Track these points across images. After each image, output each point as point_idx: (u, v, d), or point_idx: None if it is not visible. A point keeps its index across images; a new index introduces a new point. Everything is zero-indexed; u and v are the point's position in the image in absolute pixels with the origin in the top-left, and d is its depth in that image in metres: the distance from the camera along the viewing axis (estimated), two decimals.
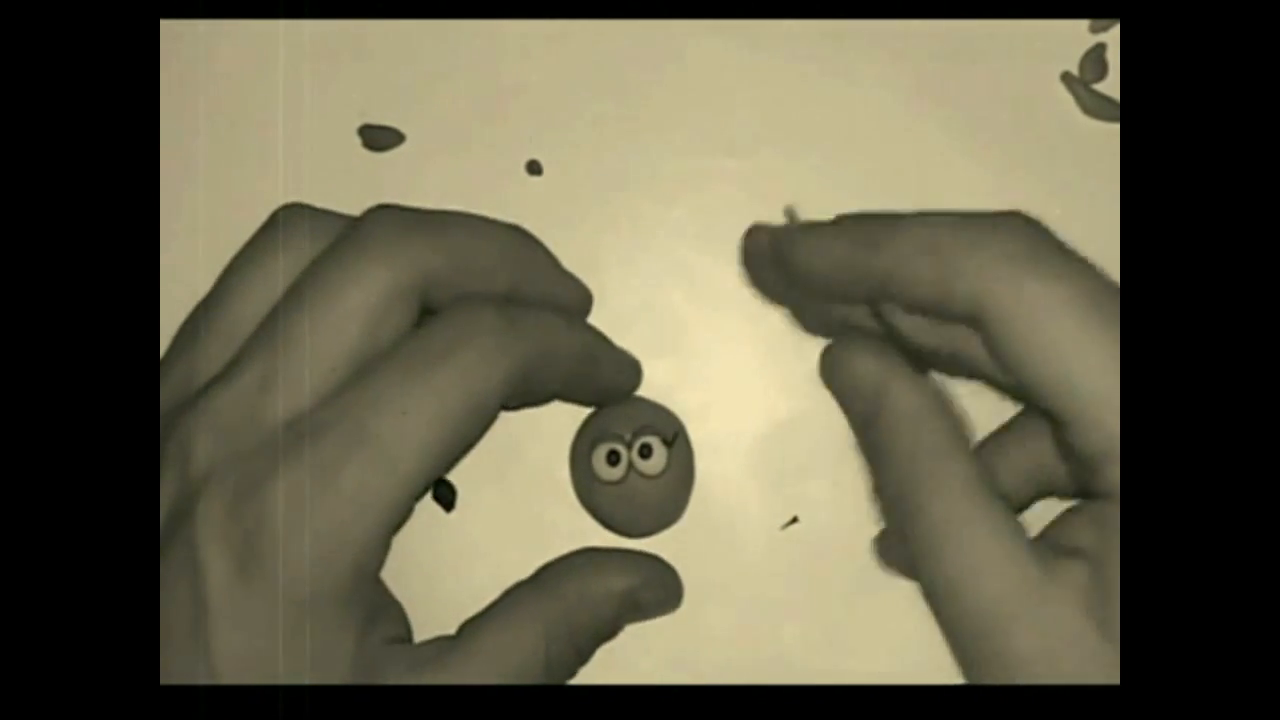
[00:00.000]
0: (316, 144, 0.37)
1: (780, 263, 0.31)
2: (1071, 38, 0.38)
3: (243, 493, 0.29)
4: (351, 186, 0.37)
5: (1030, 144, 0.37)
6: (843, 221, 0.31)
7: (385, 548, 0.30)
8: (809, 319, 0.36)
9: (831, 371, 0.32)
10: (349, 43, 0.37)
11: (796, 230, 0.31)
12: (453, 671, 0.30)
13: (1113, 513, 0.28)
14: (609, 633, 0.33)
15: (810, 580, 0.36)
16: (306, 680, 0.29)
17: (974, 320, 0.29)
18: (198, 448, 0.29)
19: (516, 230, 0.33)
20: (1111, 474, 0.28)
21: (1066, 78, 0.37)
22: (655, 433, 0.34)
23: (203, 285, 0.33)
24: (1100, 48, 0.37)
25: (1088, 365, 0.28)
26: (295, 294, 0.30)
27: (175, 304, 0.33)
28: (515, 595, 0.32)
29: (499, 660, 0.31)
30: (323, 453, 0.29)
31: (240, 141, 0.37)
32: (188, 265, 0.34)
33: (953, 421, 0.30)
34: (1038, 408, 0.29)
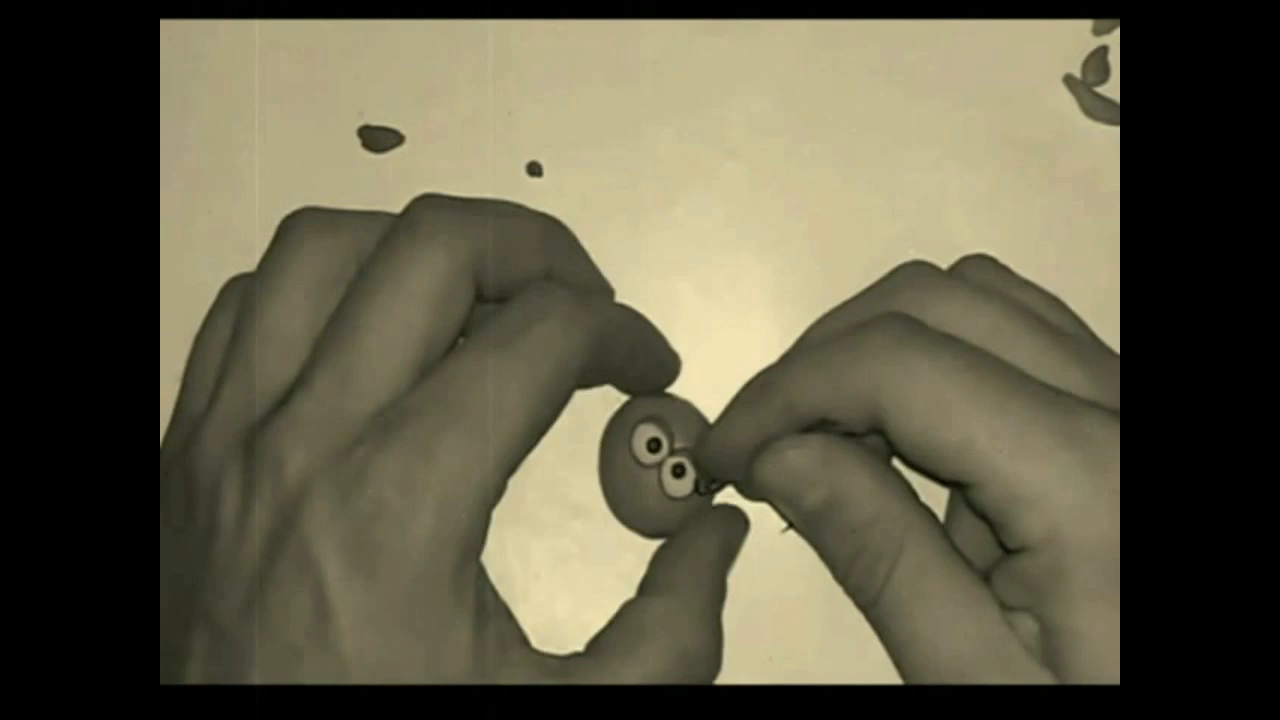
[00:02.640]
0: (316, 145, 0.37)
1: (706, 468, 0.34)
2: (1074, 40, 0.38)
3: (346, 486, 0.28)
4: (351, 187, 0.37)
5: (1031, 145, 0.37)
6: (734, 398, 0.33)
7: (487, 525, 0.30)
8: None
9: (770, 475, 0.32)
10: (349, 43, 0.37)
11: (704, 434, 0.34)
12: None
13: (1032, 563, 0.28)
14: (724, 598, 0.33)
15: (811, 582, 0.36)
16: (426, 668, 0.29)
17: (875, 418, 0.30)
18: (289, 457, 0.29)
19: (552, 219, 0.34)
20: (1019, 525, 0.29)
21: (1069, 80, 0.37)
22: (698, 466, 0.35)
23: (203, 286, 0.33)
24: (1103, 50, 0.37)
25: (979, 425, 0.29)
26: (359, 288, 0.30)
27: (175, 304, 0.33)
28: (637, 607, 0.32)
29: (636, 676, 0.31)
30: (419, 433, 0.29)
31: (240, 141, 0.37)
32: (188, 266, 0.34)
33: (906, 487, 0.31)
34: (946, 482, 0.30)
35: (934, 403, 0.29)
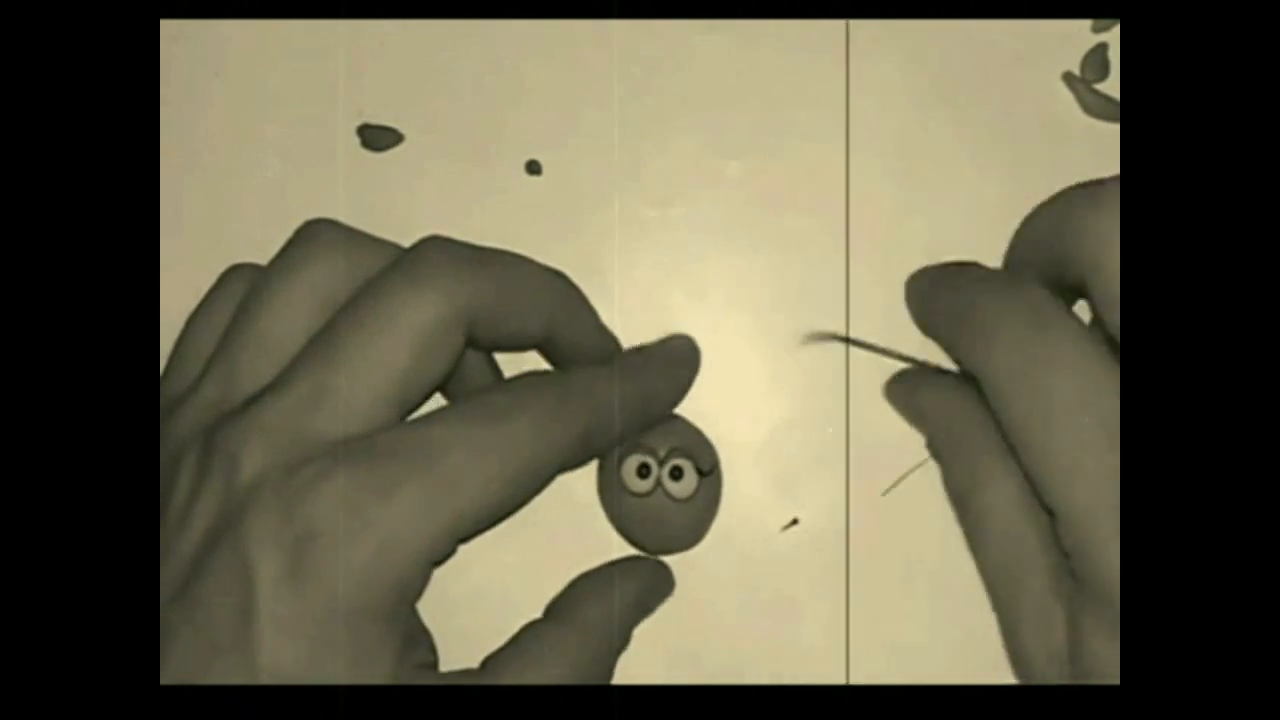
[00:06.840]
0: (315, 144, 0.37)
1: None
2: (1073, 37, 0.38)
3: (296, 499, 0.29)
4: (351, 186, 0.37)
5: (1031, 144, 0.37)
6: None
7: (427, 577, 0.30)
8: None
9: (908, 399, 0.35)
10: (349, 43, 0.37)
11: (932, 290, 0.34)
12: None
13: (1078, 604, 0.29)
14: (625, 645, 0.34)
15: (811, 582, 0.36)
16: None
17: (1088, 278, 0.30)
18: (247, 457, 0.29)
19: (560, 275, 0.33)
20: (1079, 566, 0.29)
21: (1068, 77, 0.37)
22: (689, 456, 0.34)
23: (203, 285, 0.33)
24: (1102, 47, 0.37)
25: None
26: (350, 313, 0.30)
27: (175, 304, 0.33)
28: (536, 632, 0.32)
29: None
30: (382, 472, 0.29)
31: (240, 141, 0.37)
32: (188, 265, 0.34)
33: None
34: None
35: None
